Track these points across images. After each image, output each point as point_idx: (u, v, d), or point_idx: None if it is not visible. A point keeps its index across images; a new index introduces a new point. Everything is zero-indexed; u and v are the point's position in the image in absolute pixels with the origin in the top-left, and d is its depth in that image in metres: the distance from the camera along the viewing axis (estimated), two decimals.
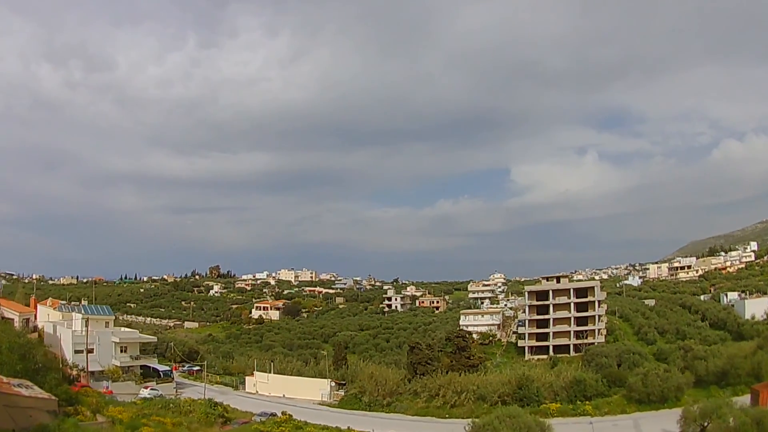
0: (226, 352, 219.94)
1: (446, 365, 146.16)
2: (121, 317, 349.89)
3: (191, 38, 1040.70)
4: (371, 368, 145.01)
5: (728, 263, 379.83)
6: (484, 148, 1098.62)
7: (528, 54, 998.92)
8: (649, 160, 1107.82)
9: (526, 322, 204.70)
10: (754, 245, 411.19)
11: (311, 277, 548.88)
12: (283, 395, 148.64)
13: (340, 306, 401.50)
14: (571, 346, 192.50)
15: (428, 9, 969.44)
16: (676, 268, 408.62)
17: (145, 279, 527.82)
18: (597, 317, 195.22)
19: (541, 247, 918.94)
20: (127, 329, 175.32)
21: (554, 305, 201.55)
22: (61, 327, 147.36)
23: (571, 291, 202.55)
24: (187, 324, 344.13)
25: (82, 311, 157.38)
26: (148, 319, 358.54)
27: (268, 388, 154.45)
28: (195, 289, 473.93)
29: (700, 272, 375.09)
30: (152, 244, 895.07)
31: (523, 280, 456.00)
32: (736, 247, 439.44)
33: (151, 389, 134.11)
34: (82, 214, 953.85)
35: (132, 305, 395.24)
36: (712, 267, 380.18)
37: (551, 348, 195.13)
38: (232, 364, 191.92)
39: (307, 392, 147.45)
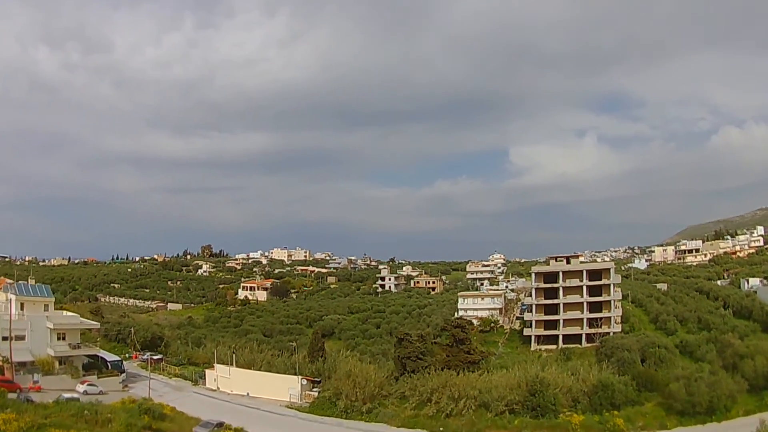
0: (198, 338, 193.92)
1: (441, 361, 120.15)
2: (103, 298, 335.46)
3: (189, 19, 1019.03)
4: (350, 364, 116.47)
5: (737, 247, 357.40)
6: (483, 129, 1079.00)
7: (527, 37, 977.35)
8: (648, 144, 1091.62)
9: (533, 307, 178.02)
10: (761, 230, 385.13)
11: (305, 257, 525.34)
12: (247, 394, 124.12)
13: (332, 286, 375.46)
14: (584, 336, 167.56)
15: None
16: (684, 251, 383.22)
17: (137, 259, 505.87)
18: (612, 303, 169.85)
19: (539, 229, 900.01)
20: (69, 313, 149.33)
21: (564, 289, 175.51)
22: None
23: (584, 273, 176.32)
24: (170, 305, 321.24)
25: (15, 291, 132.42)
26: (131, 300, 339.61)
27: (230, 385, 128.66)
28: (183, 268, 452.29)
29: (709, 256, 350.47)
30: (150, 225, 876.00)
31: (523, 261, 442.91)
32: (743, 231, 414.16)
33: (89, 385, 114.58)
34: (79, 195, 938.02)
35: (116, 285, 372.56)
36: (721, 251, 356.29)
37: (561, 337, 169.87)
38: (200, 352, 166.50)
39: (273, 391, 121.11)
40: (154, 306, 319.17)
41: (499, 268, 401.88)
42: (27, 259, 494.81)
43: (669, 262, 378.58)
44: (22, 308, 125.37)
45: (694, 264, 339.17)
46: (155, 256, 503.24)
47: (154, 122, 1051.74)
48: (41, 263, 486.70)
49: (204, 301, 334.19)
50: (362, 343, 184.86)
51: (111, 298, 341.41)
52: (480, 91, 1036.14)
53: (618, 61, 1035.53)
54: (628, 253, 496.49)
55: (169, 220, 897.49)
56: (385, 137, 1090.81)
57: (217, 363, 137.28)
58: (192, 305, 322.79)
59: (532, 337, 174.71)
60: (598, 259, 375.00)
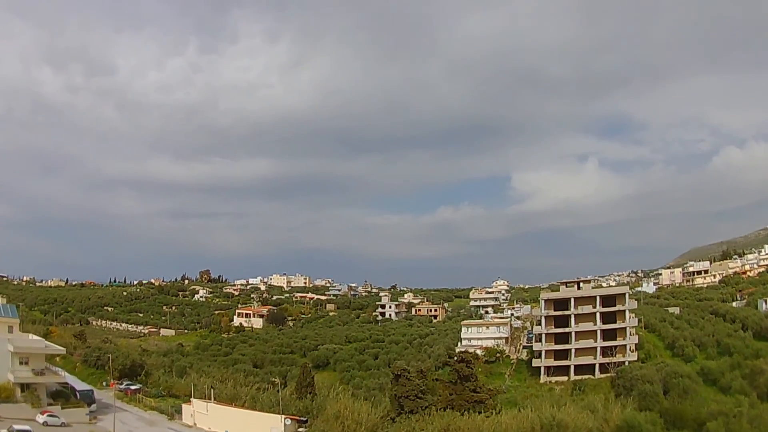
0: (183, 367, 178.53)
1: (444, 400, 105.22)
2: (95, 321, 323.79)
3: (192, 44, 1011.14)
4: (341, 403, 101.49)
5: (746, 267, 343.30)
6: (485, 155, 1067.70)
7: (529, 62, 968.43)
8: (649, 168, 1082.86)
9: (543, 336, 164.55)
10: None
11: (305, 283, 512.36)
12: None
13: (331, 313, 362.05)
14: (597, 366, 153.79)
15: (429, 17, 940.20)
16: (692, 272, 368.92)
17: (135, 283, 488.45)
18: (627, 330, 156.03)
19: (541, 255, 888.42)
20: (35, 337, 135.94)
21: (576, 316, 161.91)
22: None
23: (597, 299, 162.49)
24: (163, 331, 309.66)
25: None
26: (123, 324, 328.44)
27: (208, 422, 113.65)
28: (180, 293, 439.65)
29: (718, 277, 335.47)
30: (150, 249, 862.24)
31: (527, 287, 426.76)
32: (750, 250, 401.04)
33: (49, 415, 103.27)
34: (80, 217, 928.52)
35: (110, 309, 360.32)
36: (730, 271, 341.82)
37: (573, 368, 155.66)
38: (181, 382, 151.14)
39: (254, 431, 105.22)
40: (146, 331, 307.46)
41: (503, 294, 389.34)
42: (25, 278, 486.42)
43: (677, 284, 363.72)
44: None
45: (704, 286, 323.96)
46: (152, 280, 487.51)
47: (156, 146, 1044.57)
48: (38, 284, 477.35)
49: (198, 327, 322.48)
50: (358, 376, 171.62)
51: (103, 321, 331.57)
52: (482, 117, 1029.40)
53: (620, 84, 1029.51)
54: (632, 277, 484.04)
55: (169, 244, 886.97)
56: (386, 164, 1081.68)
57: (195, 397, 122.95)
58: (186, 331, 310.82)
59: (542, 369, 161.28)
60: (604, 284, 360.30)
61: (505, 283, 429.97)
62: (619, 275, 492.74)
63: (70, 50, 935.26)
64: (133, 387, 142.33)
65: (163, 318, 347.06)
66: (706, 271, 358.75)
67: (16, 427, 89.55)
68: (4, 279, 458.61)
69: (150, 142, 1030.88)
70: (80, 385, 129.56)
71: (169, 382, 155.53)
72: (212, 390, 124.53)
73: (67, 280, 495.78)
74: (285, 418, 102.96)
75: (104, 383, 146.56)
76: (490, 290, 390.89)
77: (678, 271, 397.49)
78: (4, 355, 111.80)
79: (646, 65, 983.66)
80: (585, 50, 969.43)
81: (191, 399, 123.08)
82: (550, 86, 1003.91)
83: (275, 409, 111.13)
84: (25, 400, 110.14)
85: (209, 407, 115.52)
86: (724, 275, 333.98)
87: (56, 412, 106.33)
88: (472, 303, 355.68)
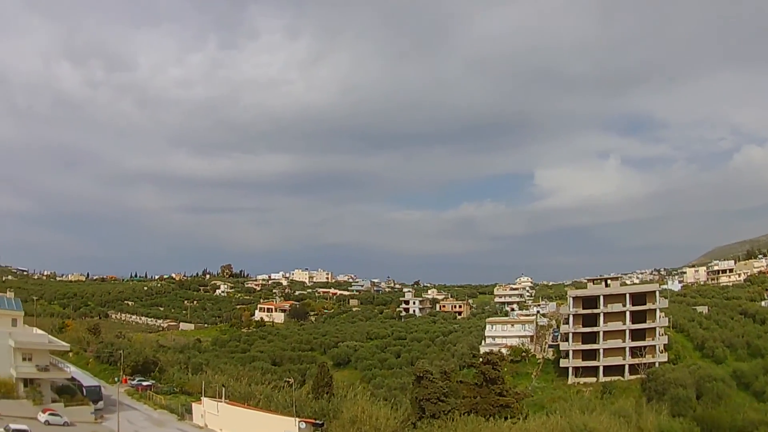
0: (199, 363, 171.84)
1: (467, 403, 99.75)
2: (114, 315, 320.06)
3: (212, 39, 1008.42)
4: (359, 405, 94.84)
5: None
6: (506, 152, 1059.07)
7: (548, 59, 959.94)
8: (671, 166, 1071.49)
9: (570, 335, 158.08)
10: None
11: (327, 279, 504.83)
12: None
13: (354, 309, 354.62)
14: (626, 367, 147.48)
15: (447, 14, 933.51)
16: (717, 271, 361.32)
17: (156, 277, 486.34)
18: (657, 330, 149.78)
19: (563, 252, 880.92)
20: (39, 331, 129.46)
21: (605, 315, 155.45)
22: None
23: (627, 297, 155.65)
24: (183, 325, 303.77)
25: None
26: (143, 318, 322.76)
27: (219, 423, 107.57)
28: (201, 288, 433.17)
29: (743, 276, 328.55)
30: (170, 244, 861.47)
31: (551, 284, 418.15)
32: None
33: (51, 414, 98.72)
34: (100, 212, 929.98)
35: (130, 303, 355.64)
36: (755, 270, 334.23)
37: (601, 369, 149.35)
38: (196, 379, 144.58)
39: None
40: (165, 325, 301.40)
41: (527, 291, 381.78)
42: (45, 273, 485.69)
43: (702, 282, 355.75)
44: None
45: (730, 284, 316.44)
46: (173, 275, 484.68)
47: (177, 141, 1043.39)
48: (59, 278, 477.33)
49: (219, 321, 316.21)
50: (379, 375, 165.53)
51: (123, 315, 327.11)
52: (502, 114, 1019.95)
53: (640, 82, 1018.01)
54: (654, 275, 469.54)
55: (190, 239, 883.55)
56: (407, 160, 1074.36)
57: (208, 395, 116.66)
58: (205, 326, 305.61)
59: (570, 369, 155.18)
60: (627, 282, 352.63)
61: (529, 279, 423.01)
62: (641, 273, 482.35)
63: (89, 46, 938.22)
64: (145, 383, 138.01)
65: (184, 312, 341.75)
66: (731, 270, 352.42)
67: (13, 426, 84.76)
68: (24, 273, 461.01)
69: (170, 137, 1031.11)
70: (88, 381, 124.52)
71: (183, 379, 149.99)
72: (224, 388, 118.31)
73: (88, 274, 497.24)
74: (299, 421, 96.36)
75: (116, 379, 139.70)
76: (514, 287, 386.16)
77: (702, 269, 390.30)
78: (5, 350, 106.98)
79: (664, 63, 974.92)
80: (603, 48, 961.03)
81: (202, 398, 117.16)
82: (569, 84, 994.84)
83: (290, 410, 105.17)
84: (27, 396, 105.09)
85: (220, 407, 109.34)
86: (749, 274, 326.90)
87: (59, 409, 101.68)
88: (496, 299, 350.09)
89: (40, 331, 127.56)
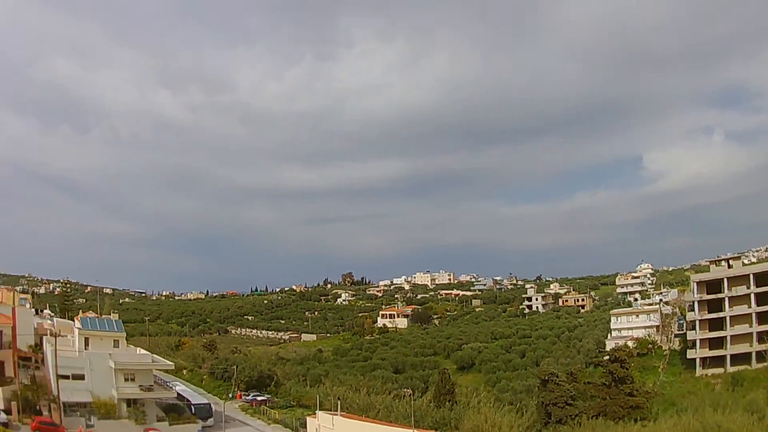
0: (318, 374, 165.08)
1: (596, 406, 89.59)
2: (234, 330, 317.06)
3: (308, 52, 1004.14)
4: (482, 414, 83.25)
5: None
6: (613, 137, 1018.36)
7: (642, 38, 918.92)
8: None
9: (697, 323, 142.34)
10: None
11: (449, 280, 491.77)
12: None
13: (477, 309, 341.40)
14: (753, 354, 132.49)
15: (537, 2, 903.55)
16: None
17: (277, 290, 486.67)
18: None
19: (677, 235, 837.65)
20: (143, 351, 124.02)
21: (730, 299, 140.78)
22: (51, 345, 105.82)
23: (751, 278, 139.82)
24: (304, 336, 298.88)
25: (80, 325, 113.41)
26: (263, 332, 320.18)
27: None
28: (322, 298, 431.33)
29: None
30: (290, 257, 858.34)
31: (671, 269, 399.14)
32: None
33: None
34: (217, 231, 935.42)
35: (250, 318, 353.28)
36: None
37: (728, 358, 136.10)
38: (313, 391, 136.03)
39: None
40: (287, 337, 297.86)
41: (649, 279, 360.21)
42: (164, 293, 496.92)
43: None
44: (86, 344, 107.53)
45: None
46: (293, 287, 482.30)
47: (286, 156, 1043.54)
48: (178, 297, 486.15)
49: (341, 330, 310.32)
50: (504, 378, 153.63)
51: (242, 330, 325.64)
52: (605, 99, 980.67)
53: (736, 51, 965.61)
54: None
55: (308, 251, 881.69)
56: (516, 154, 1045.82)
57: (322, 409, 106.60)
58: (327, 335, 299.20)
59: (697, 361, 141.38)
60: (745, 261, 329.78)
61: (649, 266, 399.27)
62: (756, 251, 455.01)
63: (186, 71, 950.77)
64: (259, 398, 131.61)
65: (305, 324, 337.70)
66: None
67: None
68: (142, 295, 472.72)
69: (278, 152, 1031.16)
70: (197, 399, 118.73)
71: (300, 392, 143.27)
72: (339, 401, 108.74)
73: (207, 292, 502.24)
74: None
75: (230, 395, 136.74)
76: (635, 275, 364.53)
77: None
78: (106, 371, 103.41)
79: (756, 29, 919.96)
80: (696, 20, 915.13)
81: (317, 411, 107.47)
82: (666, 61, 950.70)
83: (408, 421, 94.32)
84: (130, 416, 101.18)
85: (335, 420, 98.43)
86: None
87: (163, 428, 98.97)
88: (618, 290, 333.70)
89: (144, 351, 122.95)
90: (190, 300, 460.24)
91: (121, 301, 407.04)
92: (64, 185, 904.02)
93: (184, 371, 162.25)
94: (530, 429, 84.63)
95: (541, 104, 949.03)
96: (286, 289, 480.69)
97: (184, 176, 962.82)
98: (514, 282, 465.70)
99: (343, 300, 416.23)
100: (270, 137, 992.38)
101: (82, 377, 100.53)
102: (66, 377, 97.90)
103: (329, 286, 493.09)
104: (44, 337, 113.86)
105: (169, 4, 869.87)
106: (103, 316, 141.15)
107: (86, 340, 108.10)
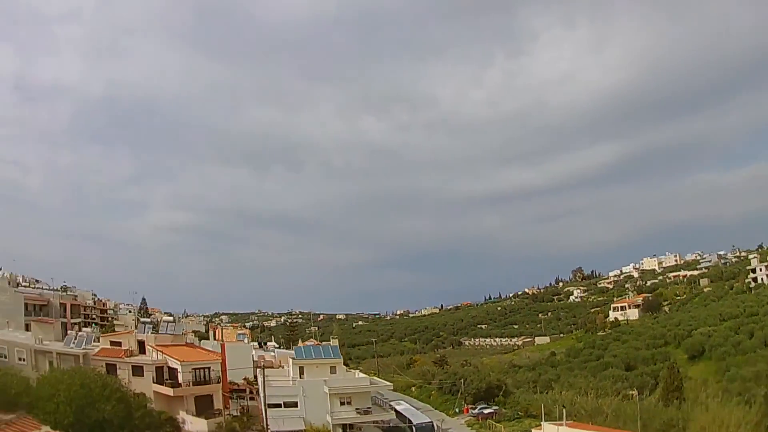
0: (547, 380, 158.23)
1: None
2: (468, 342, 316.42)
3: (497, 53, 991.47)
4: (710, 412, 75.87)
5: None
6: None
7: None
8: None
9: None
10: None
11: (675, 261, 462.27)
12: None
13: (705, 289, 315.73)
14: None
15: None
16: None
17: (510, 295, 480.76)
18: None
19: None
20: (361, 375, 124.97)
21: None
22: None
23: None
24: (538, 340, 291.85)
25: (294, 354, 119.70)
26: (497, 339, 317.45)
27: None
28: (555, 298, 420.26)
29: None
30: (519, 259, 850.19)
31: None
32: None
33: None
34: (443, 244, 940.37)
35: (483, 327, 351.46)
36: None
37: None
38: (543, 399, 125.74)
39: None
40: (520, 342, 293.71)
41: None
42: (398, 312, 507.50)
43: None
44: (301, 373, 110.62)
45: None
46: (526, 290, 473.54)
47: (501, 159, 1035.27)
48: (411, 315, 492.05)
49: (574, 329, 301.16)
50: (733, 365, 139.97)
51: (476, 340, 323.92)
52: None
53: None
54: None
55: (537, 251, 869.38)
56: (729, 115, 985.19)
57: (547, 418, 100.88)
58: (561, 336, 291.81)
59: None
60: None
61: None
62: None
63: (385, 94, 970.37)
64: (486, 410, 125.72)
65: (538, 326, 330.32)
66: None
67: None
68: (376, 316, 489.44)
69: (493, 157, 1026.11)
70: (419, 418, 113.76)
71: (528, 400, 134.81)
72: (563, 409, 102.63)
73: (441, 306, 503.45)
74: None
75: (456, 409, 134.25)
76: None
77: None
78: (321, 398, 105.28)
79: None
80: None
81: (542, 422, 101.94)
82: None
83: (633, 425, 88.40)
84: None
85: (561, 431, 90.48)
86: None
87: None
88: None
89: (362, 375, 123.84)
90: (423, 316, 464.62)
91: (354, 324, 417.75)
92: (285, 224, 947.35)
93: (413, 388, 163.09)
94: (758, 425, 75.62)
95: (737, 58, 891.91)
96: (519, 293, 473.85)
97: (401, 196, 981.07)
98: (738, 254, 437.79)
99: (576, 297, 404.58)
100: (481, 143, 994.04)
101: (294, 405, 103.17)
102: (277, 405, 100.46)
103: (560, 284, 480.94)
104: (258, 370, 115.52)
105: (351, 34, 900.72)
106: (323, 343, 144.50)
107: (301, 369, 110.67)
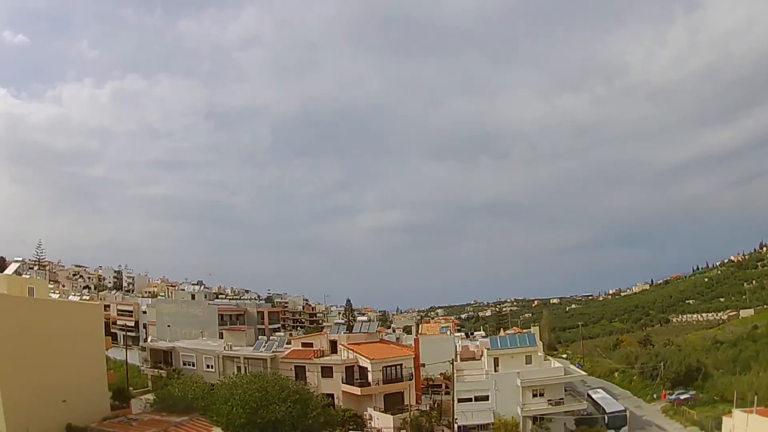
0: (746, 359, 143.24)
1: None
2: (675, 318, 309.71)
3: (676, 8, 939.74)
4: None
5: None
6: None
7: None
8: None
9: None
10: None
11: None
12: None
13: None
14: None
15: None
16: None
17: (717, 264, 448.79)
18: None
19: None
20: (557, 364, 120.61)
21: None
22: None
23: None
24: (742, 312, 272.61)
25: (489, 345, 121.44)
26: (703, 315, 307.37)
27: None
28: (758, 264, 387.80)
29: None
30: (721, 225, 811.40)
31: None
32: None
33: None
34: (650, 217, 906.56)
35: (690, 302, 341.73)
36: None
37: None
38: (740, 380, 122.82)
39: None
40: (726, 317, 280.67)
41: None
42: (610, 292, 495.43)
43: None
44: (496, 364, 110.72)
45: None
46: (731, 258, 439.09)
47: (698, 120, 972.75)
48: (623, 293, 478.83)
49: None
50: None
51: (683, 316, 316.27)
52: None
53: None
54: None
55: (739, 214, 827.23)
56: None
57: (738, 405, 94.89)
58: (765, 307, 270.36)
59: None
60: None
61: None
62: None
63: (578, 69, 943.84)
64: (683, 396, 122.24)
65: (743, 297, 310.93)
66: None
67: None
68: (589, 298, 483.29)
69: (691, 118, 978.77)
70: (613, 406, 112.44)
71: (724, 383, 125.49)
72: (755, 395, 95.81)
73: (651, 281, 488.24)
74: None
75: (655, 395, 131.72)
76: None
77: None
78: (513, 390, 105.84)
79: None
80: None
81: (733, 409, 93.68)
82: None
83: None
84: None
85: (750, 420, 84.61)
86: None
87: None
88: None
89: (557, 364, 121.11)
90: (634, 294, 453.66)
91: (567, 308, 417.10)
92: (497, 211, 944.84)
93: (616, 374, 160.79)
94: None
95: None
96: (725, 261, 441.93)
97: (607, 172, 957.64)
98: None
99: None
100: (676, 106, 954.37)
101: (485, 398, 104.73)
102: (467, 400, 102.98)
103: (764, 249, 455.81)
104: (453, 363, 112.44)
105: (531, 12, 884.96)
106: (524, 330, 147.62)
107: (495, 360, 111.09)
